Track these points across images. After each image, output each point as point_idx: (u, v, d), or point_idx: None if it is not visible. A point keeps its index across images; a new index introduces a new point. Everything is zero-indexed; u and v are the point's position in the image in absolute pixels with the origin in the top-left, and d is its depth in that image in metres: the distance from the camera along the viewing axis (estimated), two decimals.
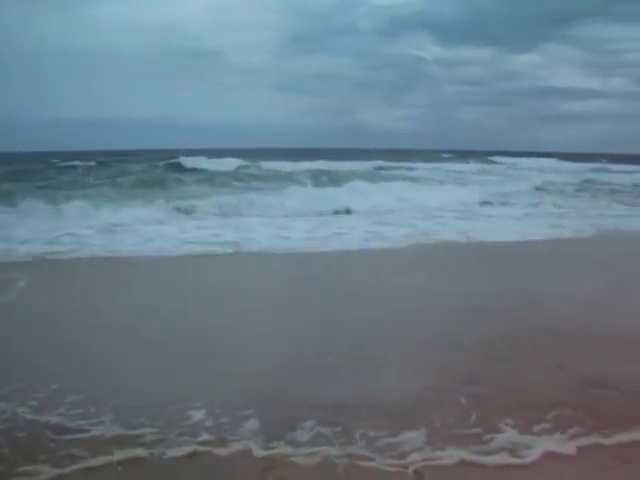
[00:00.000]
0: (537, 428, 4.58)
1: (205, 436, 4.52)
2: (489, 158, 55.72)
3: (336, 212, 19.09)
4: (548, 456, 4.22)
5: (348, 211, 19.36)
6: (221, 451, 4.33)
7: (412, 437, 4.48)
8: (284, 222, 16.33)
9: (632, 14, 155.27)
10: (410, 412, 4.89)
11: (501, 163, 51.05)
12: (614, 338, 6.79)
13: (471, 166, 43.66)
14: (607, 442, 4.37)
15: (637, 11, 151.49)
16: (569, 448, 4.31)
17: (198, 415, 4.84)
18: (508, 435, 4.49)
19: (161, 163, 33.12)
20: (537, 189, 28.38)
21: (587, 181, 33.58)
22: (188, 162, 32.70)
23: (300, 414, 4.85)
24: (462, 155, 61.76)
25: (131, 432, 4.57)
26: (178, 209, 18.56)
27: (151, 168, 31.43)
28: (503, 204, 22.71)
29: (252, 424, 4.69)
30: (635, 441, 4.38)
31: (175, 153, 38.25)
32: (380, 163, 39.75)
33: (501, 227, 15.89)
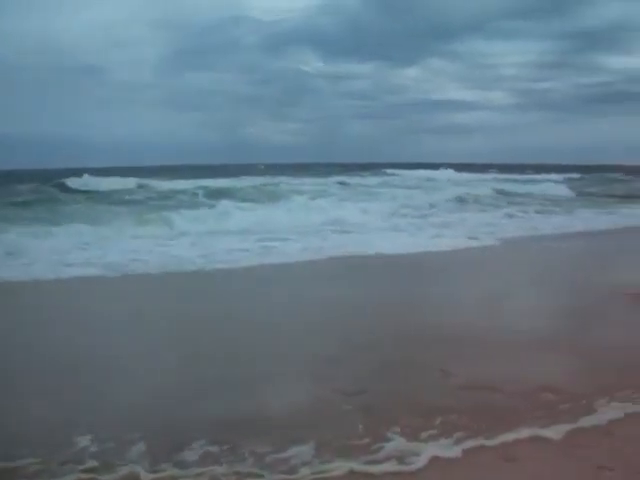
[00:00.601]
0: (424, 435, 4.63)
1: (90, 463, 4.32)
2: (384, 170, 55.80)
3: (230, 230, 18.85)
4: (435, 461, 4.26)
5: (241, 228, 19.12)
6: (106, 477, 4.15)
7: (301, 451, 4.43)
8: (175, 241, 16.02)
9: (506, 31, 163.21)
10: (298, 426, 4.84)
11: (397, 175, 50.72)
12: (497, 342, 7.03)
13: (368, 180, 43.43)
14: (491, 443, 4.47)
15: (511, 28, 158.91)
16: (455, 452, 4.37)
17: (83, 441, 4.62)
18: (396, 443, 4.51)
19: (47, 184, 31.88)
20: (448, 200, 28.70)
21: (499, 192, 34.35)
22: (73, 182, 31.68)
23: (189, 434, 4.72)
24: (351, 168, 61.90)
25: (12, 464, 4.32)
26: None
27: (38, 188, 30.30)
28: (405, 215, 23.08)
29: (139, 447, 4.53)
30: (518, 440, 4.50)
31: (59, 173, 36.95)
32: (268, 179, 39.12)
33: (403, 239, 16.16)
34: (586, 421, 4.80)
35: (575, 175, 52.53)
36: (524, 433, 4.59)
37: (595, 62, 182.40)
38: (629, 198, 33.16)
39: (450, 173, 51.02)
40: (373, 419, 4.92)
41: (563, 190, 37.45)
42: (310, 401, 5.37)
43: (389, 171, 54.72)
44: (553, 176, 49.17)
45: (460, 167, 60.62)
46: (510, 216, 23.17)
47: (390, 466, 4.23)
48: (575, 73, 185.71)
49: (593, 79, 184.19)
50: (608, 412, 4.96)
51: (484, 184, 39.23)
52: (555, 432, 4.59)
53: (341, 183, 38.36)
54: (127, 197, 27.89)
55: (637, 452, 4.34)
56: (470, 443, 4.47)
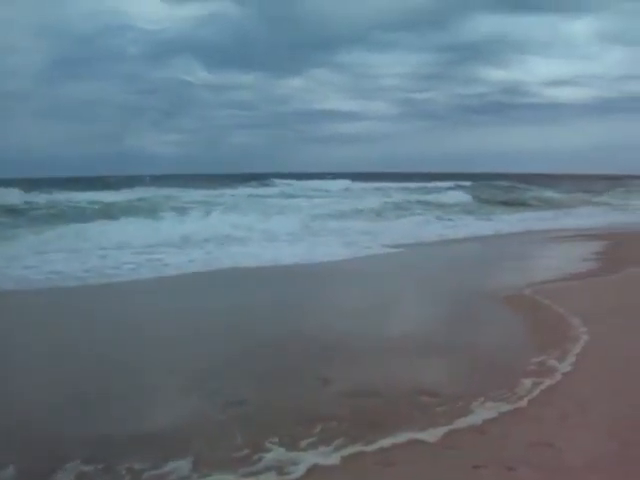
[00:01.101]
0: (303, 443, 4.58)
1: None
2: (272, 180, 55.22)
3: (116, 243, 18.23)
4: (313, 470, 4.21)
5: (122, 242, 18.56)
6: None
7: (179, 466, 4.29)
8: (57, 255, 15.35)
9: (389, 42, 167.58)
10: (175, 441, 4.71)
11: (290, 185, 49.72)
12: (375, 348, 7.12)
13: (258, 190, 42.66)
14: (370, 449, 4.47)
15: (393, 40, 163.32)
16: (333, 459, 4.35)
17: None
18: (275, 454, 4.44)
19: None
20: (339, 210, 28.74)
21: (409, 201, 34.90)
22: None
23: (62, 454, 4.48)
24: (238, 179, 61.12)
25: None
26: None
27: None
28: (297, 226, 22.89)
29: (9, 472, 4.26)
30: (396, 444, 4.53)
31: None
32: (153, 191, 37.82)
33: (294, 250, 16.10)
34: (462, 422, 4.89)
35: (466, 183, 53.73)
36: (402, 437, 4.62)
37: (473, 74, 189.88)
38: (516, 205, 34.79)
39: (347, 183, 51.20)
40: (252, 430, 4.84)
41: (457, 197, 38.48)
42: (188, 414, 5.25)
43: (277, 181, 54.36)
44: (443, 184, 50.29)
45: (347, 176, 61.28)
46: (402, 222, 23.64)
47: (269, 477, 4.15)
48: (454, 84, 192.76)
49: (471, 90, 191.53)
50: (483, 412, 5.08)
51: (374, 193, 39.98)
52: (432, 435, 4.65)
53: (229, 194, 37.93)
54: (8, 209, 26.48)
55: (509, 449, 4.45)
56: (349, 450, 4.46)
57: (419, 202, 34.68)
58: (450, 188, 46.69)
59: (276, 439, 4.65)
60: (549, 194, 46.53)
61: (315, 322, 8.54)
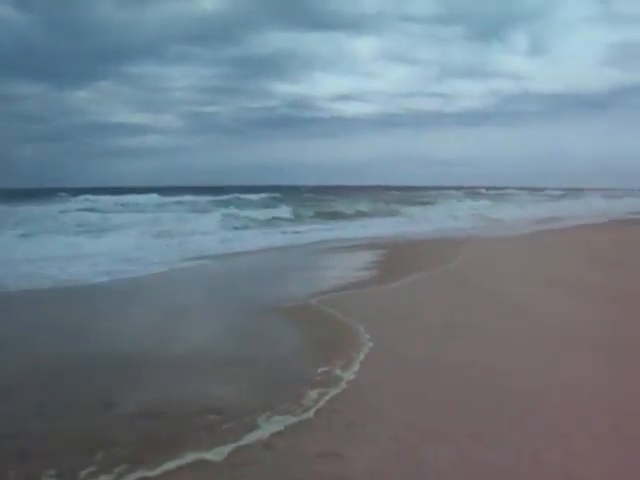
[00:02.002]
0: (83, 473, 4.31)
1: None
2: (60, 195, 52.13)
3: None
4: None
5: None
6: None
7: None
8: None
9: (178, 55, 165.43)
10: None
11: (95, 201, 46.77)
12: (161, 366, 6.94)
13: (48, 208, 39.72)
14: (153, 473, 4.30)
15: (183, 52, 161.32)
16: None
17: None
18: None
19: None
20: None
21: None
22: None
23: None
24: (23, 194, 57.10)
25: None
26: None
27: None
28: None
29: None
30: (180, 466, 4.40)
31: None
32: None
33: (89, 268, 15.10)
34: (249, 438, 4.86)
35: (276, 194, 53.80)
36: (187, 458, 4.50)
37: (262, 88, 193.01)
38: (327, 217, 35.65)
39: (155, 197, 49.18)
40: (28, 463, 4.49)
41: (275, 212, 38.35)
42: None
43: (90, 197, 50.66)
44: (252, 196, 50.11)
45: (124, 191, 59.24)
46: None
47: None
48: (242, 98, 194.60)
49: (258, 104, 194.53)
50: (270, 426, 5.09)
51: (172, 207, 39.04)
52: (218, 453, 4.57)
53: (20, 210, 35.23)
54: None
55: (296, 462, 4.48)
56: (131, 476, 4.26)
57: (231, 214, 34.14)
58: (263, 200, 47.08)
59: (53, 471, 4.34)
60: (346, 205, 48.13)
61: (99, 343, 8.15)
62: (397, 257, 17.00)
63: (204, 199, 45.94)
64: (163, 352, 7.59)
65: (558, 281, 12.40)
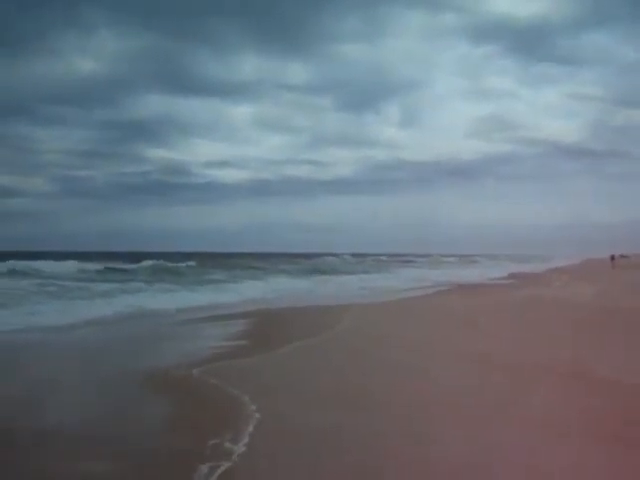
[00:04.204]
0: None
1: None
2: None
3: None
4: None
5: None
6: None
7: None
8: None
9: (51, 116, 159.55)
10: None
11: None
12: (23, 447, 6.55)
13: None
14: None
15: (55, 114, 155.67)
16: None
17: None
18: None
19: None
20: None
21: None
22: None
23: None
24: None
25: None
26: None
27: None
28: None
29: None
30: None
31: None
32: None
33: None
34: None
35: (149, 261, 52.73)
36: None
37: (135, 153, 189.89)
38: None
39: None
40: None
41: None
42: None
43: None
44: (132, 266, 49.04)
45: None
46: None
47: None
48: (116, 162, 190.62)
49: (133, 169, 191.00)
50: None
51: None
52: None
53: None
54: None
55: None
56: None
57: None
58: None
59: None
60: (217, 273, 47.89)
61: None
62: (271, 323, 17.00)
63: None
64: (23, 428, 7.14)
65: (430, 343, 12.77)
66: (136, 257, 62.74)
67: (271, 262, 70.54)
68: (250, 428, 6.87)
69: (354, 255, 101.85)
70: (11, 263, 41.47)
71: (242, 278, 42.21)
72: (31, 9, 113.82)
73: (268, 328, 15.98)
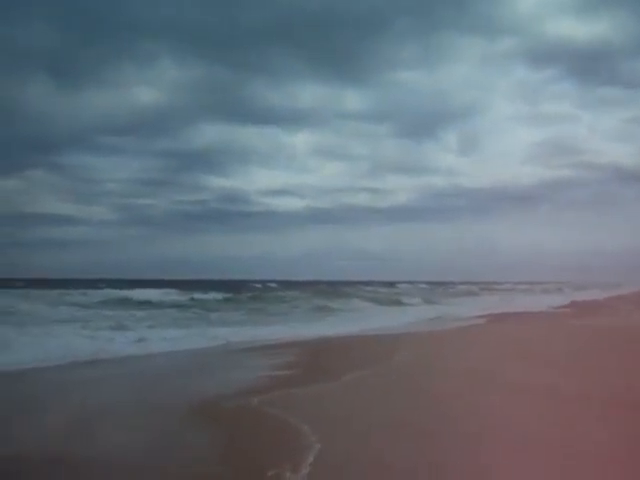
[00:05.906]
0: None
1: None
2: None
3: None
4: None
5: None
6: None
7: None
8: None
9: (111, 146, 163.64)
10: None
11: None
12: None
13: None
14: None
15: (115, 144, 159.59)
16: None
17: None
18: None
19: None
20: None
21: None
22: None
23: None
24: None
25: None
26: None
27: None
28: None
29: None
30: None
31: None
32: None
33: None
34: None
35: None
36: None
37: (194, 181, 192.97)
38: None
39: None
40: None
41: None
42: None
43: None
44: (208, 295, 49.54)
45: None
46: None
47: None
48: (175, 191, 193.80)
49: (192, 197, 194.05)
50: None
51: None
52: None
53: None
54: None
55: None
56: None
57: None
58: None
59: None
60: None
61: None
62: (335, 355, 16.85)
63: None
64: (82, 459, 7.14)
65: (494, 375, 12.45)
66: (201, 285, 63.43)
67: (349, 289, 70.42)
68: (310, 459, 6.73)
69: (428, 283, 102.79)
70: (106, 292, 42.43)
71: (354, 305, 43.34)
72: (92, 41, 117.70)
73: (325, 359, 15.78)
